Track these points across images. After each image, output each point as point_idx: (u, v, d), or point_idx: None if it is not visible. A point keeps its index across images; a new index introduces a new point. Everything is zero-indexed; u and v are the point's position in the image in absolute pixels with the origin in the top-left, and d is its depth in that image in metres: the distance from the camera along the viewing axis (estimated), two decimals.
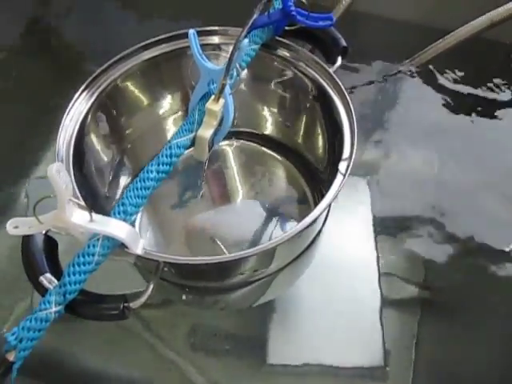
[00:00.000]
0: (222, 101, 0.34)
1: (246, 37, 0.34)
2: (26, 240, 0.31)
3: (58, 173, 0.27)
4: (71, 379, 0.41)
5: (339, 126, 0.37)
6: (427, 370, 0.40)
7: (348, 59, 0.49)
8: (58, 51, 0.63)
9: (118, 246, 0.31)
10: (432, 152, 0.51)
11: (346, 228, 0.47)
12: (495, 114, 0.54)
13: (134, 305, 0.31)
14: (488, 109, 0.54)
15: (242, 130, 0.48)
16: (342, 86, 0.38)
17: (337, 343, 0.41)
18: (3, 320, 0.42)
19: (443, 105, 0.54)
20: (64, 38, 0.64)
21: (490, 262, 0.44)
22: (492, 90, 0.55)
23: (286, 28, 0.41)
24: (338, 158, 0.35)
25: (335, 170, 0.34)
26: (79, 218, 0.29)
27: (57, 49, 0.63)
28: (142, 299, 0.31)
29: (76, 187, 0.34)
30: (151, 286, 0.31)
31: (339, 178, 0.34)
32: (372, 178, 0.49)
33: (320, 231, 0.44)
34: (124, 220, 0.31)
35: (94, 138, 0.41)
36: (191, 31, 0.34)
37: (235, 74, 0.36)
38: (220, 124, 0.36)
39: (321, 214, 0.32)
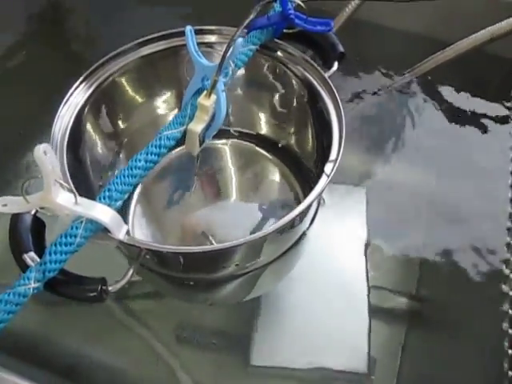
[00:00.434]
0: (213, 97, 0.35)
1: (241, 36, 0.35)
2: (15, 219, 0.32)
3: (44, 154, 0.28)
4: (55, 363, 0.41)
5: (330, 129, 0.38)
6: (411, 380, 0.40)
7: (349, 67, 0.50)
8: (69, 38, 0.64)
9: (101, 230, 0.31)
10: (430, 166, 0.51)
11: (338, 234, 0.47)
12: (495, 128, 0.54)
13: (112, 288, 0.32)
14: (487, 123, 0.54)
15: (237, 129, 0.49)
16: (335, 91, 0.39)
17: (322, 347, 0.41)
18: None
19: (442, 117, 0.54)
20: (77, 25, 0.65)
21: (482, 279, 0.44)
22: (491, 103, 0.55)
23: (285, 31, 0.42)
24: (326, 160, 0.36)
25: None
26: (64, 199, 0.30)
27: (69, 36, 0.65)
28: (120, 283, 0.32)
29: (68, 175, 0.35)
30: (130, 272, 0.32)
31: (324, 178, 0.34)
32: (369, 188, 0.49)
33: (307, 229, 0.45)
34: (109, 205, 0.32)
35: (90, 130, 0.42)
36: (188, 27, 0.35)
37: (230, 72, 0.37)
38: (212, 120, 0.37)
39: (302, 212, 0.33)
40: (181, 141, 0.38)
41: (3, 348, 0.40)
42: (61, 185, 0.30)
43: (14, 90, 0.57)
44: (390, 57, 0.58)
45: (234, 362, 0.41)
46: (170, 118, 0.46)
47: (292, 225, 0.39)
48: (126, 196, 0.33)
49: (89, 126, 0.41)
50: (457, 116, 0.54)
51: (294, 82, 0.43)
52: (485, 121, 0.54)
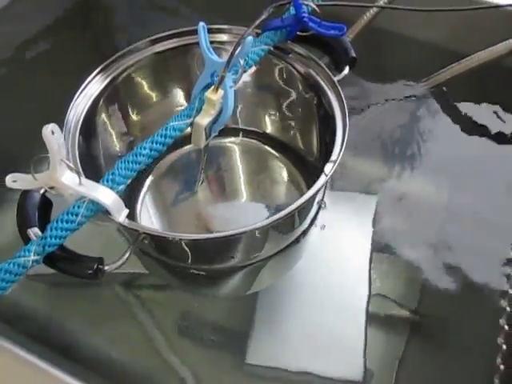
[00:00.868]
0: (221, 92, 0.36)
1: (251, 35, 0.36)
2: (24, 195, 0.34)
3: (52, 133, 0.29)
4: (55, 341, 0.42)
5: (334, 130, 0.38)
6: None
7: (364, 74, 0.50)
8: (97, 30, 0.67)
9: (102, 212, 0.33)
10: (444, 178, 0.51)
11: (344, 240, 0.47)
12: (510, 141, 0.53)
13: (109, 268, 0.33)
14: (502, 136, 0.53)
15: (245, 128, 0.50)
16: (342, 95, 0.40)
17: (318, 352, 0.41)
18: None
19: (456, 128, 0.54)
20: (106, 18, 0.68)
21: (486, 298, 0.43)
22: (507, 115, 0.54)
23: (299, 33, 0.43)
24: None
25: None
26: (69, 179, 0.32)
27: (96, 28, 0.67)
28: (116, 264, 0.33)
29: (78, 159, 0.37)
30: (127, 254, 0.34)
31: (322, 178, 0.35)
32: (380, 197, 0.49)
33: (307, 229, 0.45)
34: (111, 188, 0.33)
35: (103, 120, 0.43)
36: (201, 23, 0.36)
37: (240, 69, 0.38)
38: (219, 115, 0.38)
39: (296, 209, 0.33)
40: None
41: (7, 320, 0.42)
42: (67, 165, 0.31)
43: (41, 74, 0.59)
44: (407, 66, 0.58)
45: (230, 358, 0.42)
46: None
47: (288, 221, 0.39)
48: (129, 181, 0.34)
49: (103, 117, 0.43)
50: (471, 128, 0.53)
51: (302, 83, 0.43)
52: (500, 134, 0.53)
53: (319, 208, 0.46)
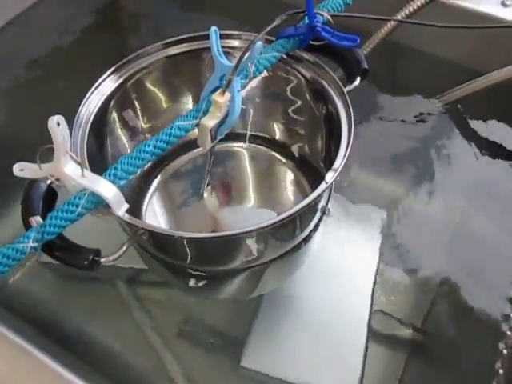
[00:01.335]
0: (228, 95, 0.37)
1: (260, 40, 0.36)
2: (31, 185, 0.35)
3: (58, 125, 0.30)
4: (56, 331, 0.43)
5: (339, 140, 0.38)
6: None
7: (379, 88, 0.50)
8: (122, 30, 0.69)
9: (102, 205, 0.33)
10: (457, 198, 0.50)
11: (350, 252, 0.47)
12: None
13: (105, 260, 0.34)
14: None
15: (253, 133, 0.50)
16: (350, 105, 0.40)
17: (314, 363, 0.41)
18: None
19: (471, 147, 0.53)
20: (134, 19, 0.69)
21: (489, 321, 0.42)
22: None
23: (312, 43, 0.43)
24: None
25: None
26: (72, 170, 0.32)
27: (124, 30, 0.69)
28: (113, 256, 0.34)
29: (86, 154, 0.38)
30: (124, 248, 0.34)
31: (323, 185, 0.35)
32: (390, 212, 0.49)
33: (309, 236, 0.45)
34: (113, 182, 0.34)
35: (114, 120, 0.44)
36: (213, 27, 0.37)
37: (250, 74, 0.39)
38: (226, 118, 0.38)
39: (295, 213, 0.33)
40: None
41: (10, 306, 0.43)
42: (70, 156, 0.32)
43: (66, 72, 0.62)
44: (422, 81, 0.58)
45: (227, 362, 0.42)
46: None
47: (288, 226, 0.40)
48: (131, 177, 0.35)
49: (113, 116, 0.44)
50: (486, 147, 0.53)
51: (311, 91, 0.44)
52: None
53: (323, 215, 0.46)
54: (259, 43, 0.36)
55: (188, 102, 0.48)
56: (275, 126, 0.50)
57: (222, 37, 0.38)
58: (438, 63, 0.59)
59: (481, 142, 0.53)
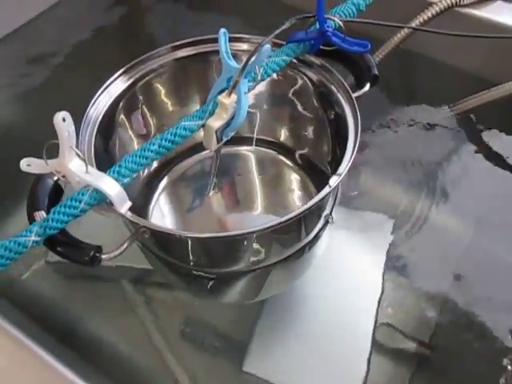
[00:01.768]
0: (234, 96, 0.37)
1: (268, 43, 0.36)
2: (37, 180, 0.36)
3: (63, 120, 0.31)
4: (59, 328, 0.44)
5: (345, 145, 0.38)
6: None
7: (391, 95, 0.50)
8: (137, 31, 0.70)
9: (105, 201, 0.34)
10: (468, 211, 0.49)
11: (356, 260, 0.47)
12: None
13: (106, 257, 0.34)
14: None
15: (260, 137, 0.50)
16: (358, 111, 0.39)
17: (317, 371, 0.41)
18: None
19: (483, 159, 0.52)
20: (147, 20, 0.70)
21: (495, 337, 0.41)
22: None
23: (323, 48, 0.43)
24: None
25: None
26: (76, 166, 0.33)
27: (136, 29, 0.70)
28: (114, 253, 0.34)
29: (93, 153, 0.38)
30: (125, 245, 0.34)
31: (326, 189, 0.35)
32: (398, 223, 0.48)
33: (312, 242, 0.45)
34: (116, 179, 0.34)
35: (123, 120, 0.45)
36: (222, 30, 0.37)
37: (258, 77, 0.39)
38: (232, 119, 0.38)
39: (298, 215, 0.33)
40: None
41: (16, 302, 0.44)
42: (75, 152, 0.33)
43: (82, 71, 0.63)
44: (434, 90, 0.57)
45: (230, 366, 0.42)
46: None
47: (291, 228, 0.40)
48: (135, 175, 0.35)
49: (122, 117, 0.44)
50: (498, 159, 0.52)
51: (319, 95, 0.44)
52: None
53: (326, 223, 0.45)
54: (267, 46, 0.36)
55: (196, 105, 0.49)
56: (282, 129, 0.50)
57: (231, 40, 0.38)
58: (451, 72, 0.58)
59: (493, 153, 0.52)
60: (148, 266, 0.47)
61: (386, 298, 0.44)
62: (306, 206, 0.34)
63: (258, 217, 0.47)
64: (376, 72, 0.42)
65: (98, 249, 0.33)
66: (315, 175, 0.48)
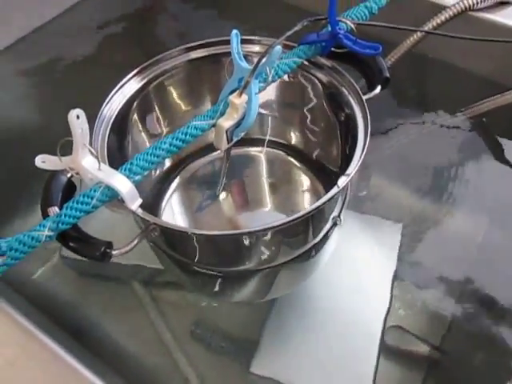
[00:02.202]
0: (245, 97, 0.37)
1: (279, 45, 0.36)
2: (51, 177, 0.36)
3: (77, 118, 0.31)
4: (70, 324, 0.44)
5: (355, 147, 0.38)
6: None
7: (403, 98, 0.49)
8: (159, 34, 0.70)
9: (116, 198, 0.34)
10: (479, 215, 0.49)
11: (365, 263, 0.47)
12: None
13: (116, 253, 0.34)
14: None
15: (271, 139, 0.51)
16: (368, 113, 0.40)
17: (324, 372, 0.41)
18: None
19: (495, 162, 0.52)
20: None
21: (509, 347, 0.41)
22: None
23: (334, 50, 0.43)
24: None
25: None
26: (89, 163, 0.34)
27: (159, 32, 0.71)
28: (125, 249, 0.34)
29: (106, 150, 0.39)
30: (135, 242, 0.35)
31: (334, 189, 0.35)
32: (407, 225, 0.48)
33: (321, 244, 0.45)
34: (128, 177, 0.34)
35: (136, 120, 0.46)
36: (234, 31, 0.38)
37: (269, 78, 0.39)
38: (242, 119, 0.39)
39: (304, 216, 0.34)
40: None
41: (30, 297, 0.44)
42: (88, 149, 0.33)
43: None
44: (446, 94, 0.57)
45: (237, 367, 0.42)
46: None
47: (299, 228, 0.40)
48: (146, 173, 0.36)
49: (135, 117, 0.45)
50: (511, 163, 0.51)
51: (329, 97, 0.44)
52: None
53: (334, 225, 0.45)
54: (278, 47, 0.36)
55: (207, 106, 0.49)
56: (293, 131, 0.50)
57: (243, 42, 0.39)
58: (464, 76, 0.58)
59: (506, 157, 0.52)
60: (159, 265, 0.47)
61: (396, 301, 0.43)
62: (313, 206, 0.34)
63: (267, 217, 0.47)
64: (387, 74, 0.42)
65: (109, 244, 0.34)
66: (325, 177, 0.48)
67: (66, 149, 0.34)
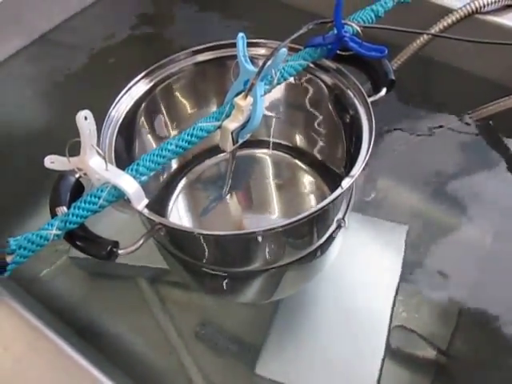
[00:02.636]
0: (250, 99, 0.38)
1: (285, 47, 0.37)
2: (60, 177, 0.37)
3: (85, 119, 0.32)
4: (77, 321, 0.45)
5: (359, 148, 0.38)
6: None
7: (409, 101, 0.49)
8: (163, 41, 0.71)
9: (123, 198, 0.35)
10: (486, 219, 0.49)
11: (371, 266, 0.47)
12: None
13: (123, 252, 0.35)
14: None
15: (276, 141, 0.51)
16: (373, 115, 0.40)
17: (328, 374, 0.41)
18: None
19: (502, 165, 0.51)
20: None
21: None
22: None
23: (340, 53, 0.44)
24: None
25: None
26: (96, 163, 0.34)
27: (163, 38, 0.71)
28: (131, 248, 0.35)
29: (113, 151, 0.39)
30: (141, 241, 0.35)
31: (338, 190, 0.35)
32: (413, 228, 0.48)
33: (326, 245, 0.45)
34: (134, 177, 0.35)
35: (143, 123, 0.46)
36: (240, 34, 0.38)
37: (275, 80, 0.39)
38: (247, 121, 0.39)
39: (307, 216, 0.34)
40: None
41: (38, 296, 0.45)
42: (96, 150, 0.34)
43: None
44: (453, 97, 0.57)
45: (242, 368, 0.42)
46: None
47: (303, 229, 0.40)
48: (152, 173, 0.36)
49: (142, 119, 0.46)
50: None
51: (334, 99, 0.44)
52: None
53: (339, 226, 0.46)
54: (283, 50, 0.37)
55: (213, 108, 0.50)
56: (298, 133, 0.51)
57: (249, 45, 0.39)
58: (470, 79, 0.58)
59: None
60: (165, 265, 0.48)
61: (401, 303, 0.43)
62: (318, 207, 0.34)
63: (272, 219, 0.47)
64: (393, 77, 0.42)
65: (115, 244, 0.34)
66: (330, 179, 0.48)
67: (74, 150, 0.34)
